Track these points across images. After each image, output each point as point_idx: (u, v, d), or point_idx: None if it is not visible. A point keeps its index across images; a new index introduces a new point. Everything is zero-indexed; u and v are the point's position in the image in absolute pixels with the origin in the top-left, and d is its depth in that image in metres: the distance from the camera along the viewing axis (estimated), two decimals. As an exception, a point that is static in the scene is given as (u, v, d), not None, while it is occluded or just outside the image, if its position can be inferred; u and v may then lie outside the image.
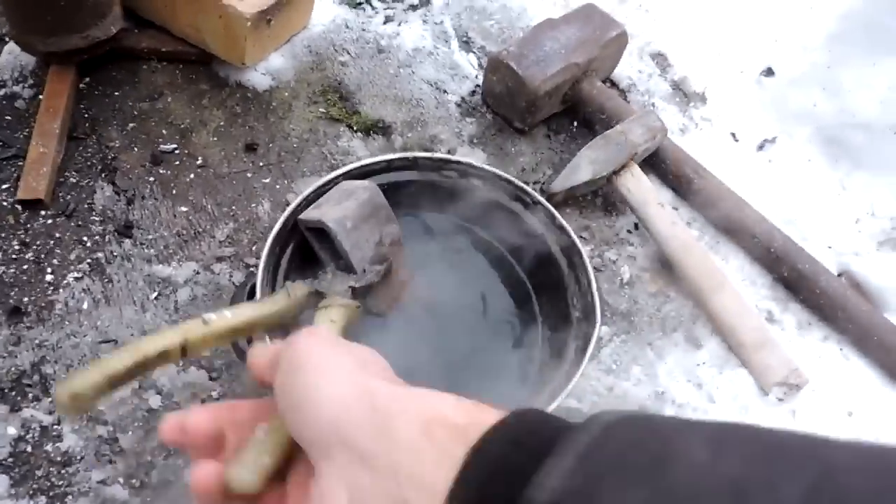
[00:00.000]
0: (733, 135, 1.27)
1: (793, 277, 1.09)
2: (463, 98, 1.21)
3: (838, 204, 1.21)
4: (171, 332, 0.50)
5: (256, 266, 0.92)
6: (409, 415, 0.29)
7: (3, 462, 0.76)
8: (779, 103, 1.26)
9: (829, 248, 1.16)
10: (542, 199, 0.85)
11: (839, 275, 1.13)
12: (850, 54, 1.22)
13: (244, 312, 0.52)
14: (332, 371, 0.32)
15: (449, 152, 1.13)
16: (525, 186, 0.86)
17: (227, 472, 0.38)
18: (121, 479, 0.77)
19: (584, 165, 1.08)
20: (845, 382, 1.03)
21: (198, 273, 0.92)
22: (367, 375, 0.32)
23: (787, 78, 1.29)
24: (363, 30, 1.24)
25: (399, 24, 1.27)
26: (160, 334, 0.50)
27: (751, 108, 1.29)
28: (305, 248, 0.82)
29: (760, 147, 1.26)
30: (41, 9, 0.95)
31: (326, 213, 0.69)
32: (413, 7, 1.31)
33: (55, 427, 0.79)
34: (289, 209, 0.81)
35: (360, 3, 1.28)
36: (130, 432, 0.80)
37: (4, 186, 0.94)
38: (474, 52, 1.28)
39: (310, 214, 0.72)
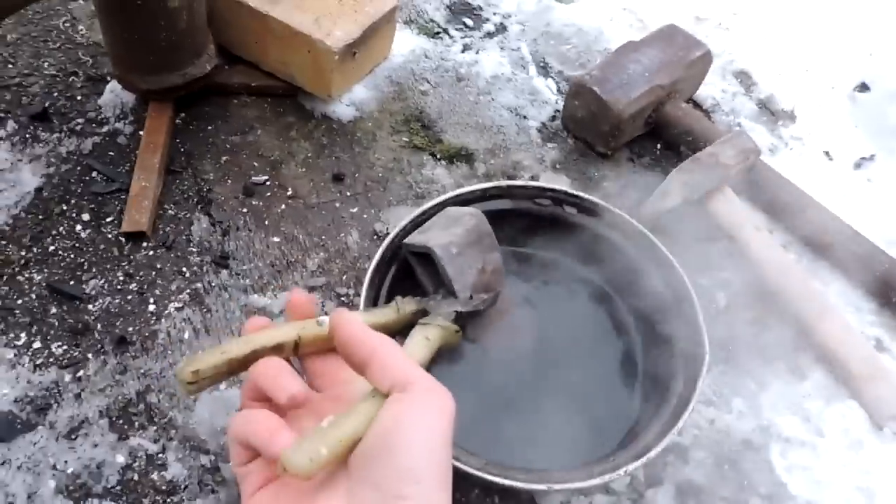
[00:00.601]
0: (827, 153, 1.21)
1: (902, 303, 1.03)
2: (543, 123, 1.20)
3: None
4: (288, 328, 0.54)
5: (347, 296, 0.93)
6: None
7: (112, 490, 0.78)
8: (875, 119, 1.21)
9: (940, 271, 1.09)
10: (644, 229, 0.82)
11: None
12: (955, 67, 1.15)
13: None
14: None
15: (532, 178, 1.11)
16: (623, 215, 0.84)
17: (287, 452, 0.43)
18: (223, 509, 0.77)
19: (676, 189, 1.05)
20: (967, 417, 0.96)
21: (292, 303, 0.93)
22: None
23: (883, 92, 1.24)
24: (442, 59, 1.25)
25: (477, 52, 1.28)
26: (278, 328, 0.54)
27: (845, 125, 1.23)
28: (401, 278, 0.82)
29: (858, 165, 1.20)
30: (144, 49, 0.99)
31: (432, 238, 0.68)
32: (490, 34, 1.31)
33: (160, 456, 0.80)
34: (386, 241, 0.81)
35: (438, 33, 1.30)
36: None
37: (109, 219, 0.98)
38: (552, 77, 1.27)
39: (415, 239, 0.72)
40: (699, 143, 1.12)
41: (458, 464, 0.67)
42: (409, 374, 0.46)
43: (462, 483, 0.81)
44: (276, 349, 0.53)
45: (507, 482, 0.68)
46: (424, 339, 0.58)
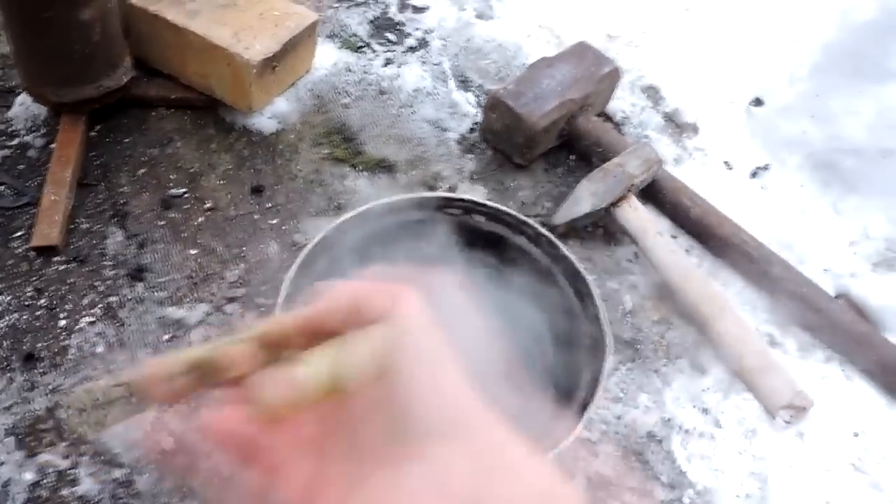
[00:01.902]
0: (727, 163, 1.30)
1: (791, 301, 1.11)
2: (463, 135, 1.24)
3: (832, 227, 1.24)
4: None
5: (266, 306, 0.94)
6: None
7: (20, 508, 0.76)
8: (769, 132, 1.30)
9: (826, 270, 1.18)
10: (545, 231, 0.87)
11: (837, 297, 1.15)
12: (836, 82, 1.26)
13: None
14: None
15: (451, 189, 1.15)
16: (528, 220, 0.88)
17: (257, 383, 0.30)
18: (137, 523, 0.77)
19: (585, 198, 1.10)
20: (850, 403, 1.05)
21: (209, 314, 0.93)
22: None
23: (776, 107, 1.33)
24: (365, 72, 1.28)
25: (399, 67, 1.31)
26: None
27: (742, 137, 1.33)
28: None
29: (754, 174, 1.29)
30: (55, 61, 0.98)
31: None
32: (412, 49, 1.35)
33: (70, 471, 0.79)
34: (305, 251, 0.83)
35: (360, 47, 1.32)
36: (146, 475, 0.80)
37: (18, 234, 0.96)
38: (472, 91, 1.32)
39: None
40: (608, 154, 1.19)
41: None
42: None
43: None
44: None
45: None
46: None
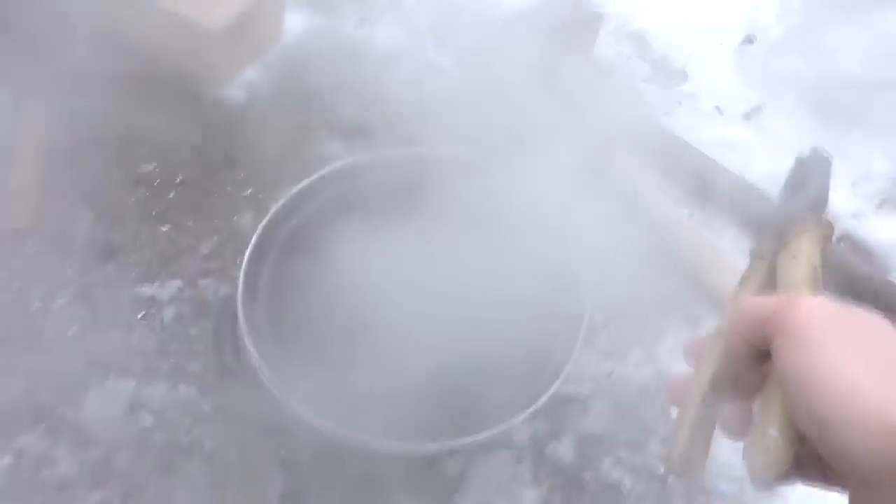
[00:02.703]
0: (718, 108, 1.25)
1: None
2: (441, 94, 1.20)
3: (833, 167, 1.19)
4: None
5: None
6: None
7: (0, 492, 0.76)
8: (762, 71, 1.25)
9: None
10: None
11: (839, 239, 1.11)
12: (829, 15, 1.20)
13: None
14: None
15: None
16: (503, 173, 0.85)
17: (755, 457, 0.32)
18: (117, 501, 0.76)
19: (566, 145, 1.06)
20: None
21: (182, 290, 0.91)
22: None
23: (767, 44, 1.28)
24: (337, 35, 1.24)
25: (372, 27, 1.27)
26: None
27: (733, 79, 1.27)
28: (286, 257, 0.82)
29: (747, 117, 1.24)
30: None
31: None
32: (385, 9, 1.30)
33: (48, 453, 0.79)
34: (267, 217, 0.80)
35: (332, 8, 1.28)
36: (124, 453, 0.79)
37: (-13, 219, 0.95)
38: (449, 49, 1.27)
39: None
40: (595, 105, 1.14)
41: (343, 435, 0.67)
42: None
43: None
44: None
45: (396, 450, 0.69)
46: (813, 270, 0.40)
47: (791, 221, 0.43)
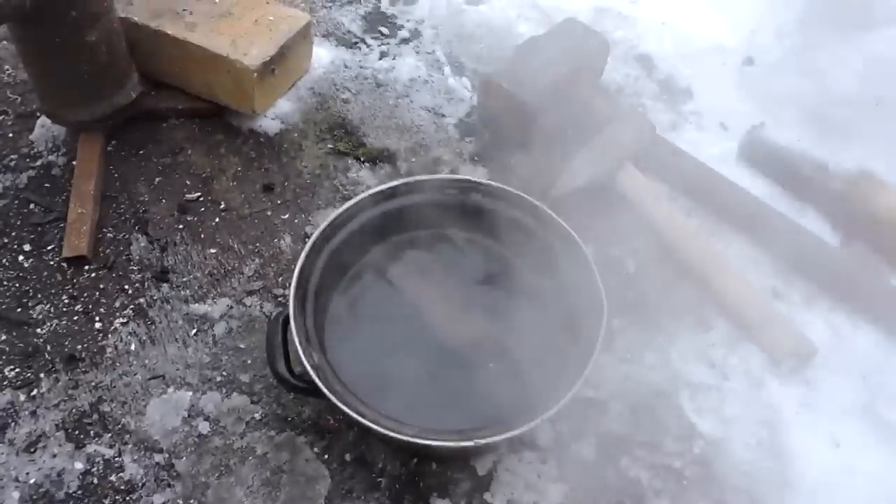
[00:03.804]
0: (722, 124, 1.32)
1: (793, 254, 1.13)
2: (461, 120, 1.28)
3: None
4: None
5: (284, 296, 1.00)
6: None
7: (74, 494, 0.83)
8: (762, 90, 1.32)
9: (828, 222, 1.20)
10: (538, 203, 0.91)
11: (841, 245, 1.17)
12: (824, 34, 1.27)
13: None
14: None
15: (452, 172, 1.19)
16: (522, 194, 0.92)
17: None
18: (180, 501, 0.84)
19: (581, 170, 1.14)
20: (856, 348, 1.06)
21: (231, 308, 0.99)
22: None
23: (767, 64, 1.35)
24: (361, 67, 1.33)
25: (394, 58, 1.35)
26: None
27: (736, 97, 1.34)
28: (327, 278, 0.90)
29: (750, 134, 1.30)
30: (68, 83, 1.05)
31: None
32: (405, 40, 1.39)
33: (117, 459, 0.86)
34: (308, 244, 0.88)
35: (355, 43, 1.37)
36: (184, 458, 0.87)
37: (49, 248, 1.03)
38: (467, 76, 1.35)
39: None
40: (604, 125, 1.22)
41: (393, 434, 0.74)
42: None
43: (398, 451, 0.89)
44: None
45: (438, 443, 0.75)
46: None
47: None
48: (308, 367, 0.76)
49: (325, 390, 0.74)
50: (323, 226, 0.89)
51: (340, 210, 0.91)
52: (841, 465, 0.96)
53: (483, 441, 0.76)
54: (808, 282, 1.13)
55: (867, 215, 1.11)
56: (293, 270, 1.03)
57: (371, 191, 0.92)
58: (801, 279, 1.13)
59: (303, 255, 0.86)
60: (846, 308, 1.11)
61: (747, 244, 1.17)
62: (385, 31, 1.40)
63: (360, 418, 0.74)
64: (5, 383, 0.91)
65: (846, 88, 1.23)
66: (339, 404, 0.74)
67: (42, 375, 0.92)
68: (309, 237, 1.07)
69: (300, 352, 0.77)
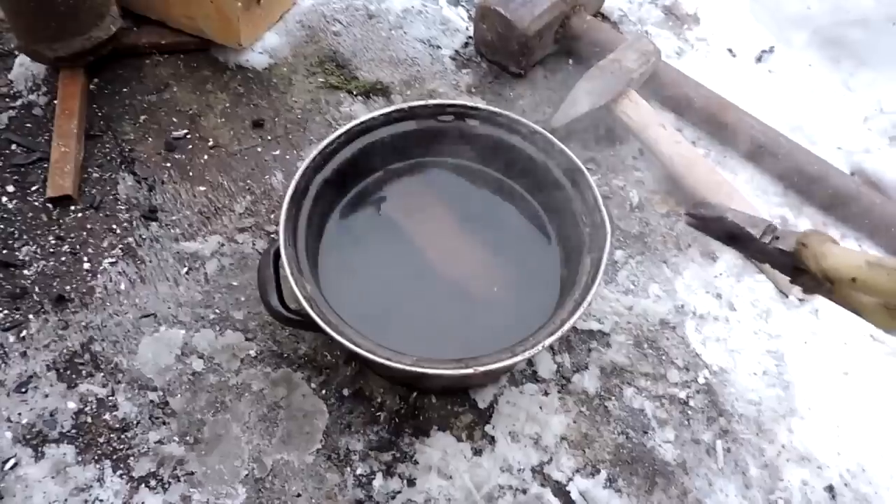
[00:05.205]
0: (730, 50, 1.26)
1: (803, 181, 1.09)
2: (457, 51, 1.23)
3: (844, 104, 1.20)
4: None
5: (276, 233, 0.96)
6: None
7: (68, 434, 0.82)
8: (772, 12, 1.26)
9: (839, 148, 1.16)
10: (539, 128, 0.87)
11: (851, 174, 1.13)
12: (839, -49, 1.20)
13: None
14: None
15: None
16: (520, 118, 0.88)
17: None
18: (176, 438, 0.82)
19: (582, 98, 1.09)
20: (867, 277, 1.03)
21: (223, 245, 0.97)
22: None
23: (778, -15, 1.28)
24: (351, -2, 1.27)
25: (385, -12, 1.29)
26: None
27: (745, 21, 1.28)
28: (319, 210, 0.86)
29: (759, 59, 1.25)
30: (43, 16, 1.00)
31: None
32: (397, -31, 1.32)
33: (110, 398, 0.85)
34: (297, 174, 0.85)
35: (345, -27, 1.30)
36: (179, 395, 0.85)
37: (34, 188, 1.00)
38: (462, 6, 1.29)
39: None
40: (606, 52, 1.16)
41: (390, 363, 0.72)
42: None
43: (397, 385, 0.87)
44: None
45: (437, 371, 0.73)
46: None
47: None
48: (300, 298, 0.73)
49: (317, 320, 0.71)
50: (313, 154, 0.85)
51: (330, 139, 0.87)
52: (849, 394, 0.94)
53: (482, 368, 0.73)
54: (817, 210, 1.09)
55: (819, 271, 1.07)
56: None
57: (362, 117, 0.88)
58: (810, 207, 1.10)
59: (291, 185, 0.83)
60: (855, 234, 1.08)
61: (756, 173, 1.13)
62: (376, -41, 1.34)
63: (355, 348, 0.71)
64: (-6, 325, 0.89)
65: (861, 8, 1.17)
66: (333, 333, 0.71)
67: (31, 316, 0.89)
68: (298, 171, 1.04)
69: (292, 282, 0.74)
